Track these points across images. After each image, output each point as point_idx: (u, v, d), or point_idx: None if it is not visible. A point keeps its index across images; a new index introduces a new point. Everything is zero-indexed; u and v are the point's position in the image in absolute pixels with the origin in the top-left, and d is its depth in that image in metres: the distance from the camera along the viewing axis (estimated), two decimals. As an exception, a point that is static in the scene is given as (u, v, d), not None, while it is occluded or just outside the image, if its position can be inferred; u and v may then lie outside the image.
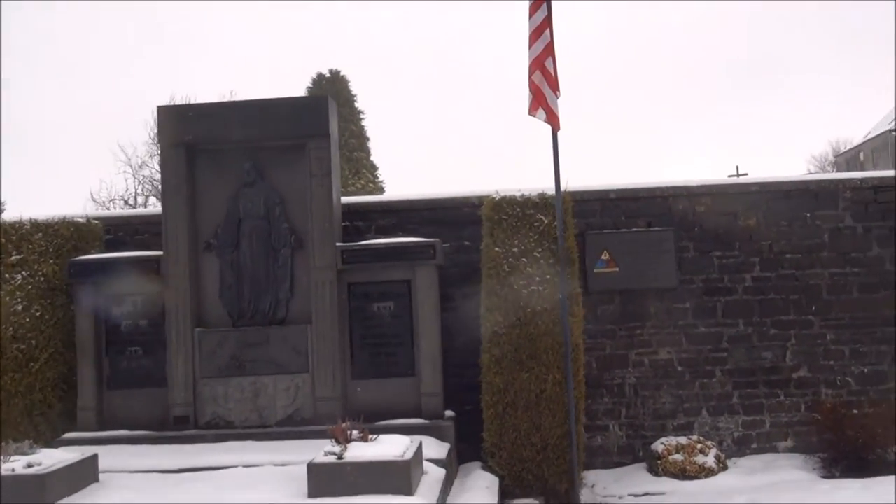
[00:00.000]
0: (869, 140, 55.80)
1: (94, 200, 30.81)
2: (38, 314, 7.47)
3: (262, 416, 7.16)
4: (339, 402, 7.11)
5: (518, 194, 7.56)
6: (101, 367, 7.39)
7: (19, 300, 7.51)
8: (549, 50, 6.69)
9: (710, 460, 7.59)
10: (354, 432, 5.80)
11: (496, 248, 7.31)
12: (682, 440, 7.81)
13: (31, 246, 7.71)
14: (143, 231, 8.59)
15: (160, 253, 7.42)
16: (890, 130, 51.06)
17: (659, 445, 7.81)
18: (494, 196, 7.60)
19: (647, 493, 7.37)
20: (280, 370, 7.17)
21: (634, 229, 8.34)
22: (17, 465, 5.62)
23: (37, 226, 7.81)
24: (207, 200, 7.45)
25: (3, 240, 7.78)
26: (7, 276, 7.61)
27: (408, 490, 5.34)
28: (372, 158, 28.43)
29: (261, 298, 7.32)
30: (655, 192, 8.38)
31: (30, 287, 7.56)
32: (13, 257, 7.68)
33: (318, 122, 7.23)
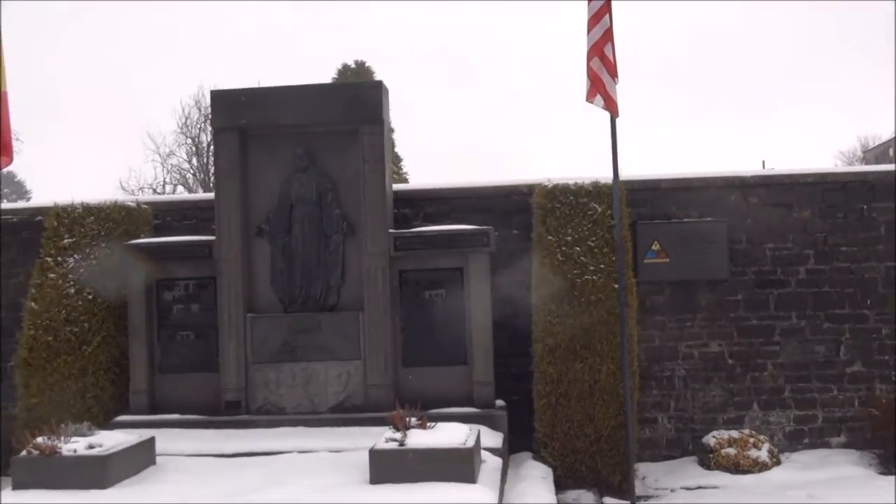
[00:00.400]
0: (876, 146, 54.93)
1: (123, 188, 31.09)
2: (90, 297, 7.50)
3: (313, 403, 7.14)
4: (390, 390, 7.07)
5: (571, 182, 7.48)
6: (152, 351, 7.41)
7: (72, 283, 7.54)
8: (609, 36, 6.57)
9: (763, 455, 7.47)
10: (413, 419, 5.76)
11: (549, 237, 7.24)
12: (735, 434, 7.70)
13: (82, 229, 7.74)
14: (192, 216, 8.60)
15: (212, 238, 7.41)
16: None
17: (710, 439, 7.71)
18: (546, 184, 7.53)
19: (699, 487, 7.28)
20: (331, 357, 7.15)
21: (686, 220, 8.22)
22: (78, 445, 5.66)
23: (88, 209, 7.84)
24: (259, 185, 7.43)
25: (55, 223, 7.81)
26: (60, 259, 7.64)
27: (470, 478, 5.29)
28: (396, 149, 28.41)
29: (312, 284, 7.29)
30: (708, 182, 8.25)
31: (82, 270, 7.58)
32: (65, 240, 7.71)
33: (372, 107, 7.18)
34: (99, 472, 5.46)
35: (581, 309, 7.00)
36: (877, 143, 58.80)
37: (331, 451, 6.29)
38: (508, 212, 8.28)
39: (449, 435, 5.58)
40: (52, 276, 7.58)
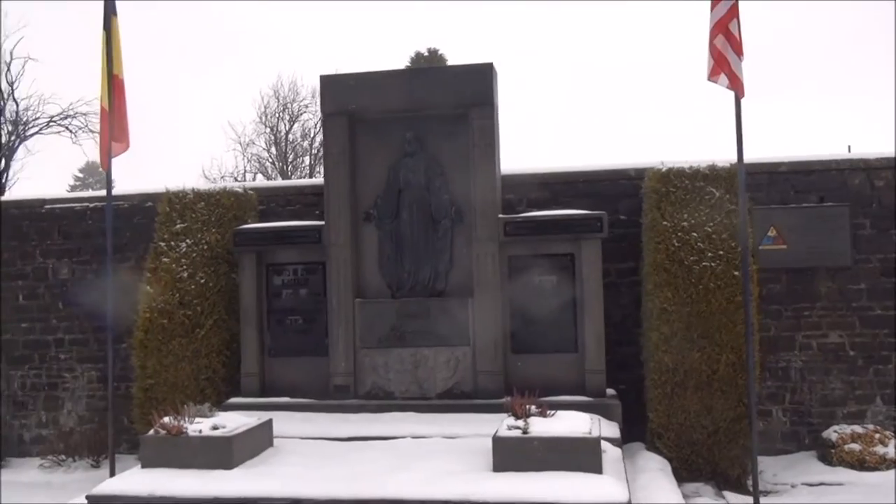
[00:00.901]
0: None
1: (206, 177, 31.91)
2: (202, 281, 7.64)
3: (422, 388, 7.11)
4: (500, 377, 6.98)
5: (686, 166, 7.22)
6: (262, 334, 7.51)
7: (185, 267, 7.69)
8: (734, 12, 6.27)
9: (890, 451, 7.09)
10: (532, 407, 5.65)
11: (664, 222, 7.00)
12: (858, 429, 7.34)
13: (194, 215, 7.89)
14: (295, 202, 8.68)
15: (321, 223, 7.44)
16: None
17: (832, 434, 7.37)
18: (660, 167, 7.28)
19: (822, 483, 6.96)
20: (440, 342, 7.10)
21: (805, 205, 7.84)
22: (202, 426, 5.74)
23: (199, 195, 7.98)
24: (367, 170, 7.42)
25: (167, 208, 7.98)
26: (172, 243, 7.81)
27: (597, 468, 5.15)
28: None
29: (420, 270, 7.25)
30: (830, 164, 7.86)
31: (194, 255, 7.73)
32: (178, 226, 7.87)
33: (483, 89, 7.07)
34: (225, 452, 5.54)
35: (699, 297, 6.75)
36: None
37: (445, 438, 6.23)
38: (615, 196, 8.07)
39: (571, 424, 5.45)
40: (165, 260, 7.75)
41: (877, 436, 7.23)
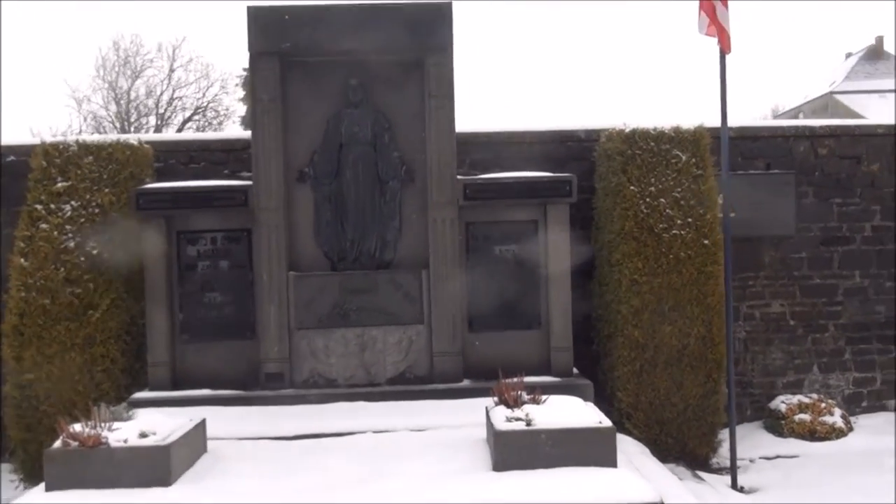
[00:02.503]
0: (808, 102, 56.63)
1: (33, 136, 28.49)
2: (94, 252, 6.30)
3: (369, 374, 6.24)
4: (458, 358, 6.26)
5: (650, 127, 6.75)
6: (173, 315, 6.31)
7: (70, 235, 6.31)
8: (721, -41, 5.83)
9: (838, 420, 7.10)
10: (524, 393, 4.99)
11: (631, 187, 6.51)
12: (805, 399, 7.30)
13: (80, 171, 6.48)
14: (199, 159, 7.42)
15: (247, 183, 6.33)
16: (831, 93, 51.93)
17: (780, 404, 7.28)
18: (623, 128, 6.77)
19: (778, 456, 6.85)
20: (390, 321, 6.25)
21: (752, 171, 7.65)
22: (126, 433, 4.61)
23: (86, 148, 6.57)
24: (300, 123, 6.37)
25: (43, 163, 6.51)
26: (52, 206, 6.38)
27: (612, 461, 4.58)
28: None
29: (365, 238, 6.34)
30: (777, 131, 7.71)
31: (83, 220, 6.36)
32: (59, 184, 6.44)
33: (440, 32, 6.20)
34: (161, 465, 4.45)
35: (670, 267, 6.35)
36: (787, 109, 60.59)
37: (412, 431, 5.44)
38: (563, 159, 7.48)
39: (571, 411, 4.84)
40: (44, 226, 6.32)
41: (822, 405, 7.22)
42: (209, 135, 7.40)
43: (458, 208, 6.24)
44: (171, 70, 32.98)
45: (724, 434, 6.80)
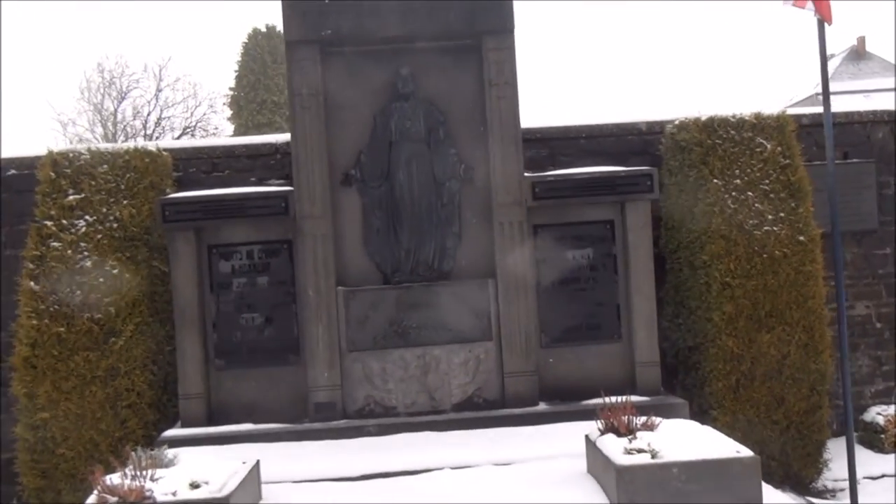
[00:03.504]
0: (795, 103, 56.44)
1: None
2: (114, 272, 5.55)
3: (433, 399, 5.50)
4: (533, 379, 5.53)
5: (728, 115, 6.09)
6: (207, 340, 5.56)
7: (86, 254, 5.56)
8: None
9: (944, 433, 6.40)
10: (636, 419, 4.27)
11: (714, 180, 5.83)
12: (903, 409, 6.60)
13: (94, 182, 5.74)
14: (224, 167, 6.69)
15: (287, 188, 5.61)
16: (816, 94, 51.77)
17: (877, 416, 6.58)
18: (698, 116, 6.11)
19: (884, 475, 6.12)
20: (454, 338, 5.53)
21: (826, 162, 6.98)
22: (173, 483, 3.83)
23: (100, 156, 5.83)
24: (343, 119, 5.66)
25: (51, 174, 5.76)
26: (65, 221, 5.63)
27: (757, 496, 3.87)
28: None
29: (422, 246, 5.62)
30: (853, 117, 7.05)
31: (100, 236, 5.61)
32: (71, 197, 5.69)
33: (500, 12, 5.52)
34: (222, 523, 3.68)
35: (764, 268, 5.67)
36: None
37: (497, 465, 4.70)
38: (622, 154, 6.80)
39: (694, 438, 4.13)
40: (56, 244, 5.57)
41: (924, 416, 6.52)
42: (234, 140, 6.70)
43: (526, 209, 5.53)
44: (159, 90, 32.23)
45: (828, 453, 6.14)
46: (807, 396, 5.66)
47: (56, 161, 5.80)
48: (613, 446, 4.04)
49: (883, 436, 6.43)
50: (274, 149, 6.66)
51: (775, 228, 5.73)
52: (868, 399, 7.02)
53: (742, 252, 5.67)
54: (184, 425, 5.44)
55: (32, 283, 5.50)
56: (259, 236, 5.60)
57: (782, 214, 5.77)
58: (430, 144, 5.64)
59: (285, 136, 6.70)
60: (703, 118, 6.06)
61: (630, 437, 4.11)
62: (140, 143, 6.14)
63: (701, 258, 5.79)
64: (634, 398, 5.48)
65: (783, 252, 5.69)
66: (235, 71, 19.14)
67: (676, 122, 6.26)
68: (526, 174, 5.60)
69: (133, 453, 4.05)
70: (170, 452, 4.29)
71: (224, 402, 5.55)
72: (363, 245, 5.66)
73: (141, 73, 32.22)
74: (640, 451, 3.93)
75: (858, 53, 50.92)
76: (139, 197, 5.78)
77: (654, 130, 6.78)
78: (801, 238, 5.73)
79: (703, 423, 5.61)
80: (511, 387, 5.50)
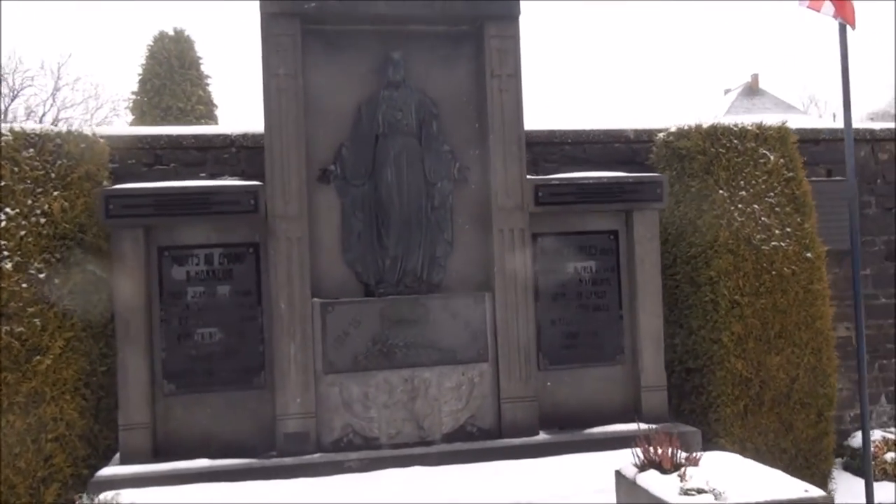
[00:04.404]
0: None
1: None
2: (41, 276, 4.62)
3: (420, 428, 4.82)
4: (533, 405, 4.94)
5: (731, 124, 5.75)
6: (153, 359, 4.69)
7: (6, 253, 4.61)
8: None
9: (931, 459, 6.21)
10: (681, 453, 3.75)
11: (720, 191, 5.45)
12: (888, 435, 6.40)
13: (16, 169, 4.79)
14: (168, 159, 5.83)
15: (256, 183, 4.84)
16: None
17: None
18: (700, 124, 5.74)
19: (881, 504, 5.86)
20: (446, 359, 4.88)
21: (813, 178, 6.78)
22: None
23: (24, 138, 4.89)
24: (322, 107, 4.95)
25: (-37, 157, 4.79)
26: (-22, 215, 4.66)
27: (829, 542, 3.39)
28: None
29: (410, 254, 4.96)
30: (838, 134, 6.87)
31: (23, 233, 4.67)
32: (-13, 185, 4.73)
33: (504, -4, 4.97)
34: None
35: (773, 285, 5.31)
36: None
37: (512, 507, 4.08)
38: (607, 163, 6.36)
39: (745, 473, 3.65)
40: (-33, 242, 4.59)
41: (908, 441, 6.33)
42: (181, 129, 5.84)
43: (528, 215, 4.97)
44: (56, 88, 30.16)
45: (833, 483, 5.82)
46: (815, 423, 5.33)
47: (-31, 142, 4.82)
48: (663, 486, 3.49)
49: (874, 462, 6.17)
50: (229, 141, 5.87)
51: (783, 244, 5.40)
52: (848, 424, 6.80)
53: (750, 268, 5.31)
54: (124, 461, 4.54)
55: (-65, 289, 4.50)
56: (221, 238, 4.80)
57: (788, 229, 5.45)
58: (422, 140, 5.01)
59: (242, 128, 5.95)
60: (705, 125, 5.69)
61: (677, 473, 3.59)
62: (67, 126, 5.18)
63: (706, 274, 5.38)
64: (643, 426, 5.01)
65: (791, 269, 5.36)
66: (139, 74, 17.95)
67: (673, 130, 5.88)
68: (528, 177, 5.04)
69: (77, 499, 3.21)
70: (109, 496, 3.46)
71: (174, 432, 4.69)
72: (342, 251, 4.95)
73: (37, 70, 30.13)
74: (699, 491, 3.40)
75: (752, 89, 53.60)
76: (73, 188, 4.88)
77: (641, 139, 6.40)
78: (809, 255, 5.42)
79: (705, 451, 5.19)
80: (508, 414, 4.89)
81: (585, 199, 5.07)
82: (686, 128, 5.75)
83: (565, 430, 5.00)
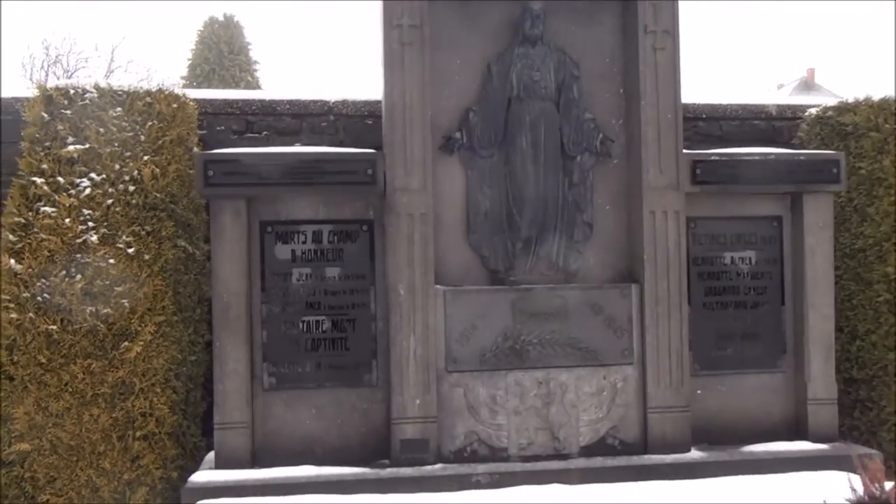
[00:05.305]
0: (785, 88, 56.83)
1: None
2: (129, 251, 4.06)
3: (555, 439, 4.16)
4: (685, 415, 4.25)
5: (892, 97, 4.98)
6: (253, 350, 4.09)
7: (90, 224, 4.06)
8: None
9: None
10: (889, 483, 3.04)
11: (901, 174, 4.69)
12: None
13: (102, 130, 4.23)
14: (260, 126, 5.25)
15: (372, 151, 4.21)
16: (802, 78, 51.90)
17: None
18: (871, 97, 4.98)
19: None
20: (585, 359, 4.21)
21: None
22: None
23: (111, 95, 4.33)
24: (446, 66, 4.30)
25: (44, 115, 4.24)
26: (61, 179, 4.11)
27: None
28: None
29: (545, 237, 4.30)
30: None
31: (110, 202, 4.11)
32: (70, 147, 4.17)
33: (661, -60, 4.26)
34: None
35: (966, 278, 4.54)
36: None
37: (683, 540, 3.40)
38: (747, 141, 5.65)
39: None
40: (48, 210, 4.05)
41: None
42: (275, 94, 5.25)
43: (684, 196, 4.27)
44: (110, 70, 30.10)
45: None
46: None
47: (51, 98, 4.28)
48: (908, 529, 2.78)
49: None
50: (326, 108, 5.27)
51: (969, 235, 4.62)
52: None
53: (939, 262, 4.54)
54: (219, 465, 3.96)
55: (13, 262, 3.96)
56: (330, 213, 4.19)
57: (972, 219, 4.67)
58: (560, 106, 4.33)
59: (340, 94, 5.35)
60: (875, 98, 4.92)
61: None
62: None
63: (880, 270, 4.63)
64: (805, 445, 4.32)
65: (980, 264, 4.57)
66: (189, 59, 17.69)
67: (834, 104, 5.12)
68: (684, 151, 4.34)
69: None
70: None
71: (274, 434, 4.10)
72: (466, 232, 4.30)
73: (91, 52, 30.13)
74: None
75: (808, 84, 51.88)
76: (164, 153, 4.32)
77: (784, 115, 5.65)
78: None
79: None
80: (656, 425, 4.20)
81: (750, 178, 4.35)
82: (851, 101, 4.99)
83: (716, 446, 4.31)
